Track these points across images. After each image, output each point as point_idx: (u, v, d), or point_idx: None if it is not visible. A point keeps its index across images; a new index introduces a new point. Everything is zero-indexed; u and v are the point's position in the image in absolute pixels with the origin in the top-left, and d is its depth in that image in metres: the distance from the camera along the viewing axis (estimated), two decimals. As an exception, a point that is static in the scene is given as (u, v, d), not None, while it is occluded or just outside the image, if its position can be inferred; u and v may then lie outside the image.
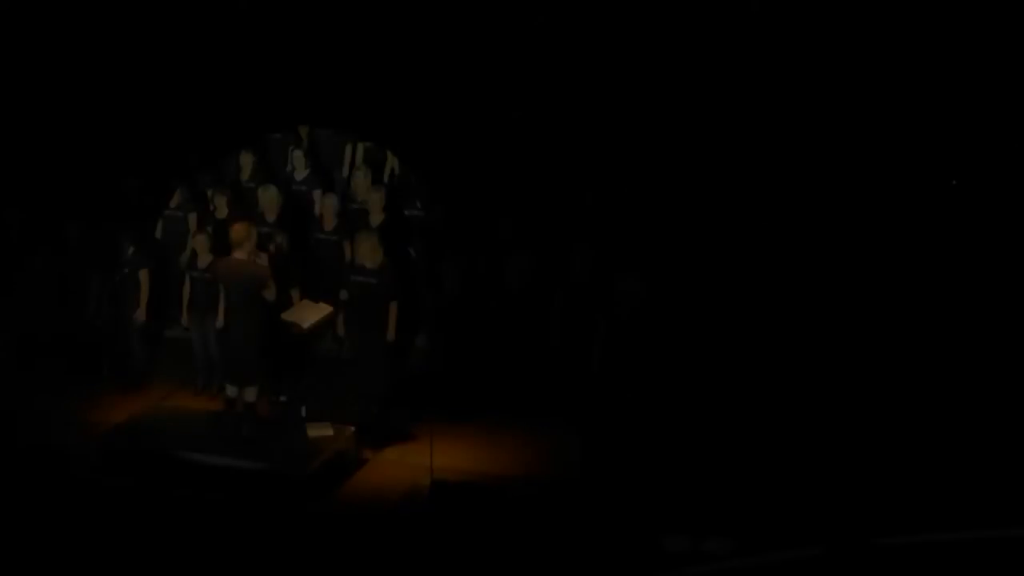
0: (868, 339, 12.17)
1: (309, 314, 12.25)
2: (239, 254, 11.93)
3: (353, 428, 12.17)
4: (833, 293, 12.43)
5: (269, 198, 13.91)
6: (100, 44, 16.11)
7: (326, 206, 13.93)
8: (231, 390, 12.12)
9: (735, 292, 12.76)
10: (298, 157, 14.83)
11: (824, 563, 10.14)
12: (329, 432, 12.01)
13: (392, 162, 15.14)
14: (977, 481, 11.23)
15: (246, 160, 14.84)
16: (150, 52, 16.20)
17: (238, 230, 12.01)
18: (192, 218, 14.24)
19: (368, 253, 12.71)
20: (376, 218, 13.81)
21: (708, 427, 12.27)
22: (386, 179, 14.97)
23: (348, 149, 15.33)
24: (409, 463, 11.95)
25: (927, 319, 12.19)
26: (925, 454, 11.56)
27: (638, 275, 12.39)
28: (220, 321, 12.74)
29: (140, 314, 13.41)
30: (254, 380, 12.07)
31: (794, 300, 12.54)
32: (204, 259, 13.13)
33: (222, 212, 13.89)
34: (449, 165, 14.87)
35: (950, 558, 10.34)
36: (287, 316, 12.29)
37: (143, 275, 13.40)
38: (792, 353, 12.24)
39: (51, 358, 13.65)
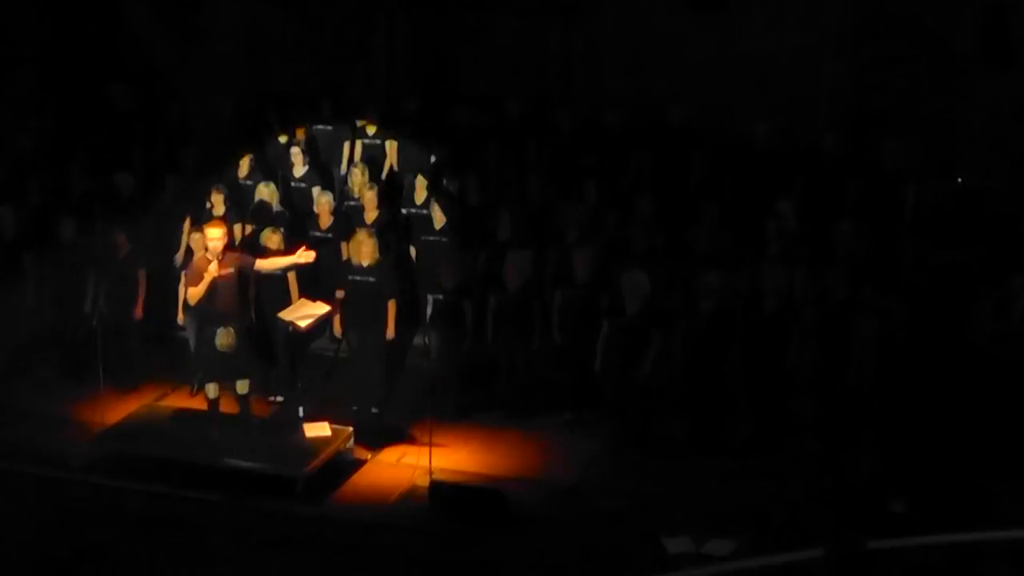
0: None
1: (306, 313, 12.14)
2: (210, 255, 11.85)
3: (351, 428, 12.06)
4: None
5: (266, 195, 13.81)
6: (95, 42, 16.08)
7: (322, 204, 13.84)
8: (212, 390, 12.12)
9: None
10: (296, 154, 14.73)
11: (824, 565, 10.08)
12: (327, 432, 11.90)
13: (391, 159, 15.05)
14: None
15: (243, 157, 14.73)
16: (146, 49, 16.17)
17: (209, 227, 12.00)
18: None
19: (366, 251, 12.62)
20: (372, 215, 13.73)
21: (710, 427, 12.21)
22: (384, 176, 14.88)
23: (346, 146, 15.23)
24: (407, 464, 11.85)
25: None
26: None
27: (642, 271, 12.29)
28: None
29: (137, 313, 13.31)
30: (244, 375, 12.04)
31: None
32: (201, 257, 13.02)
33: (219, 210, 13.78)
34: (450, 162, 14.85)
35: (949, 560, 10.28)
36: (284, 315, 12.19)
37: (140, 274, 13.30)
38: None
39: (46, 358, 13.54)
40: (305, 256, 12.06)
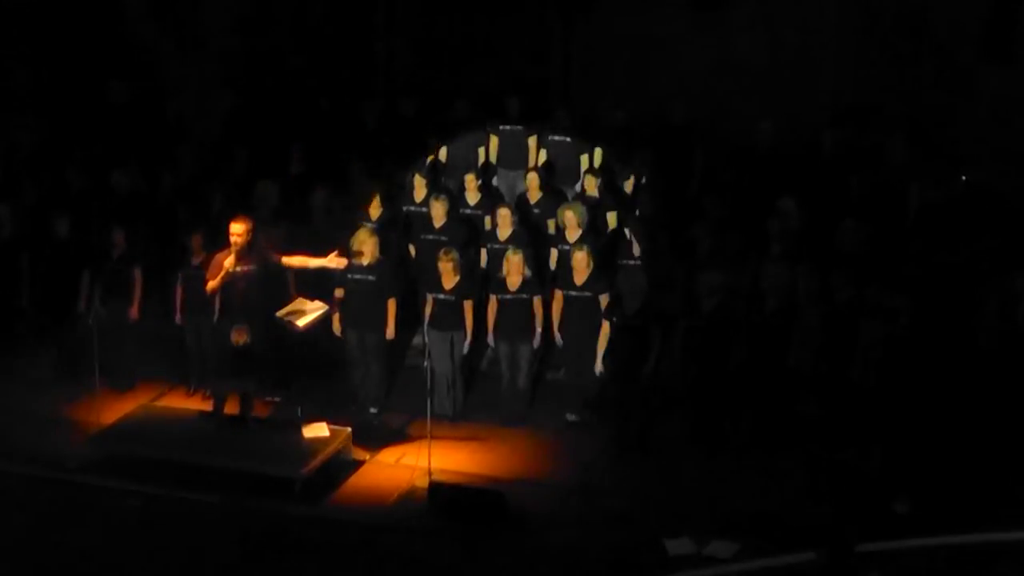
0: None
1: (304, 312, 12.04)
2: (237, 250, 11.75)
3: (349, 429, 11.98)
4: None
5: (265, 192, 13.72)
6: (92, 39, 16.02)
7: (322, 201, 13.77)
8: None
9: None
10: (296, 152, 14.67)
11: (826, 567, 10.01)
12: (325, 433, 11.82)
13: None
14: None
15: (242, 154, 14.65)
16: (143, 46, 16.12)
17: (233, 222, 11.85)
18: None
19: (366, 250, 12.54)
20: (375, 213, 13.64)
21: (711, 428, 12.13)
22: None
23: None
24: (406, 464, 11.76)
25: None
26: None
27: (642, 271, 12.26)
28: (214, 319, 12.55)
29: (133, 313, 13.22)
30: (253, 373, 11.99)
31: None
32: (198, 256, 12.92)
33: (217, 208, 13.71)
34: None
35: (953, 562, 10.21)
36: (282, 314, 12.08)
37: (136, 273, 13.21)
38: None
39: (42, 358, 13.45)
40: (336, 261, 11.93)
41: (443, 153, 14.85)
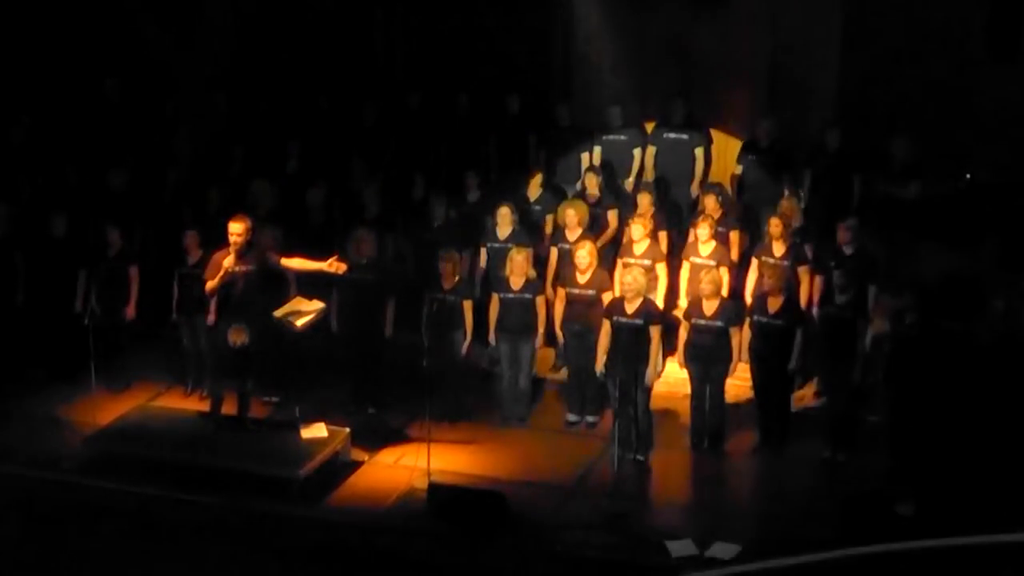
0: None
1: (302, 312, 11.95)
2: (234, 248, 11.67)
3: (348, 429, 11.91)
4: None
5: (261, 191, 13.65)
6: (88, 36, 15.95)
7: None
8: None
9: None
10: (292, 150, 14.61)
11: (828, 569, 9.91)
12: (323, 434, 11.75)
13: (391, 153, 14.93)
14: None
15: (239, 153, 14.57)
16: (141, 43, 16.05)
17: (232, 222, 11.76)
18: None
19: (365, 248, 12.46)
20: (372, 211, 13.56)
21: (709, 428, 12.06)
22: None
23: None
24: (405, 465, 11.68)
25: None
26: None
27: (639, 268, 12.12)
28: (211, 319, 12.46)
29: (129, 312, 13.14)
30: (252, 373, 11.94)
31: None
32: (194, 255, 12.84)
33: (214, 207, 13.63)
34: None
35: (956, 564, 10.13)
36: (279, 313, 11.99)
37: (132, 272, 13.14)
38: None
39: (37, 357, 13.36)
40: (336, 265, 11.81)
41: None
